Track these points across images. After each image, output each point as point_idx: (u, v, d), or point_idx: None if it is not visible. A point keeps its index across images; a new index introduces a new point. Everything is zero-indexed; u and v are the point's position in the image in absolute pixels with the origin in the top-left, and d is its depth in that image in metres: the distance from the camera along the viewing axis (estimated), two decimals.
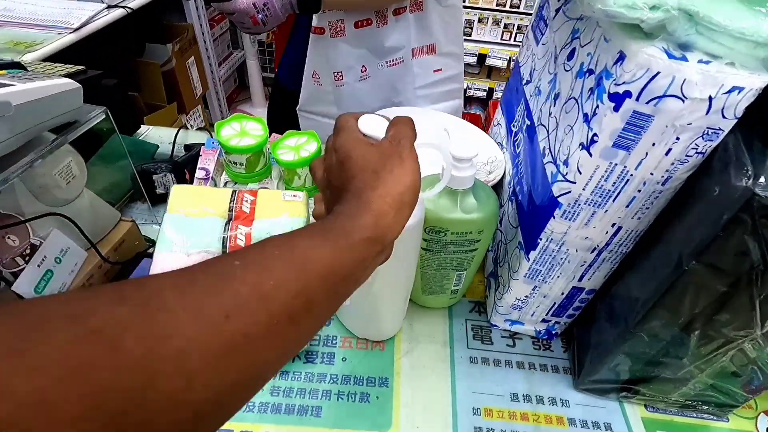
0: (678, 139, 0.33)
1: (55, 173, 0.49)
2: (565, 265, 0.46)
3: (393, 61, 0.90)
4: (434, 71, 0.96)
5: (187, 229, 0.55)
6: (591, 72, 0.38)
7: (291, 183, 0.70)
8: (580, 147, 0.38)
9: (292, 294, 0.22)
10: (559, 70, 0.46)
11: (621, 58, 0.33)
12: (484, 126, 2.08)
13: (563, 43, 0.47)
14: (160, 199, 0.70)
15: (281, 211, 0.59)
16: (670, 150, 0.34)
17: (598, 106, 0.36)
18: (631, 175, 0.36)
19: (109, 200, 0.60)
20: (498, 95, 2.18)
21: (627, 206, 0.39)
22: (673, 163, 0.35)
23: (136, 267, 0.57)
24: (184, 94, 1.85)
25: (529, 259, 0.47)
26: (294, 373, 0.51)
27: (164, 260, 0.52)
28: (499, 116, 0.73)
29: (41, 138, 0.45)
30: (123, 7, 1.45)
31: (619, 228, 0.41)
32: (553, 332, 0.56)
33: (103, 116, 0.50)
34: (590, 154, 0.37)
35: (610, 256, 0.44)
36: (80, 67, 0.71)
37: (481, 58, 2.11)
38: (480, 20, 2.03)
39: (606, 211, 0.40)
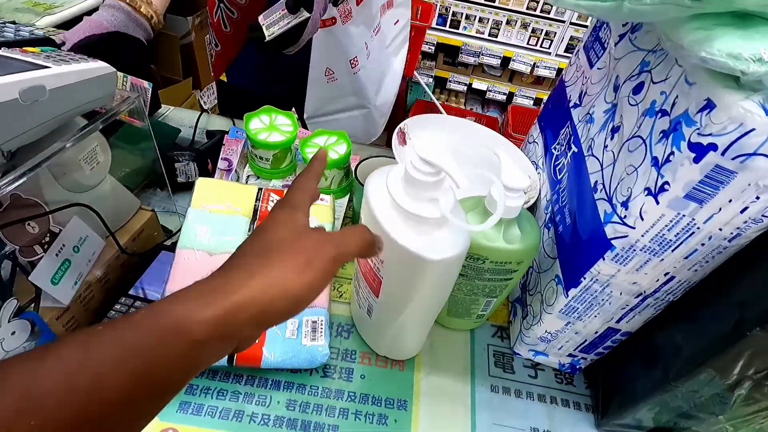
0: (758, 198, 0.31)
1: (80, 159, 0.47)
2: (606, 306, 0.44)
3: (377, 27, 0.90)
4: (394, 23, 0.98)
5: (211, 227, 0.53)
6: (665, 113, 0.36)
7: None
8: (646, 192, 0.36)
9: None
10: (622, 102, 0.44)
11: (709, 106, 0.31)
12: (501, 131, 2.05)
13: (629, 74, 0.44)
14: (179, 188, 0.67)
15: None
16: (746, 208, 0.32)
17: (672, 153, 0.33)
18: (698, 228, 0.34)
19: (128, 186, 0.58)
20: (519, 100, 2.15)
21: (686, 258, 0.37)
22: (746, 222, 0.33)
23: (154, 260, 0.55)
24: (200, 69, 1.81)
25: (567, 296, 0.45)
26: (311, 387, 0.49)
27: (187, 257, 0.50)
28: (535, 133, 0.70)
29: (71, 123, 0.42)
30: None
31: (672, 277, 0.39)
32: (577, 367, 0.54)
33: (136, 103, 0.47)
34: (657, 202, 0.35)
35: (655, 303, 0.43)
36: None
37: (505, 60, 2.07)
38: (508, 22, 1.98)
39: (662, 260, 0.38)
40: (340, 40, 0.81)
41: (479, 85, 2.15)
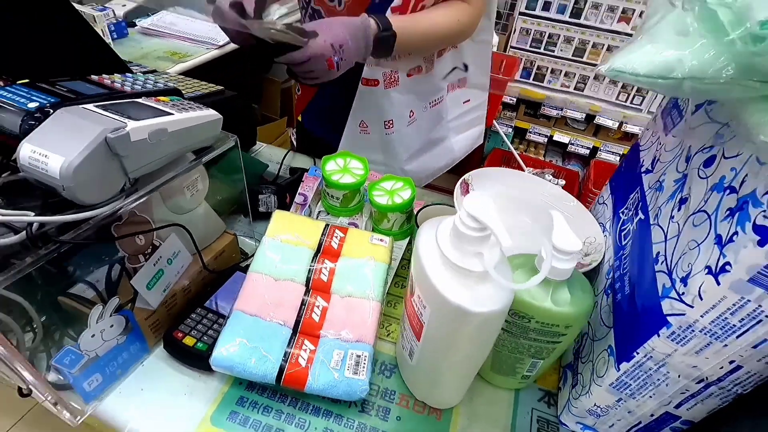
0: None
1: (184, 186, 0.56)
2: (662, 388, 0.41)
3: (435, 101, 0.92)
4: (463, 102, 1.00)
5: (280, 255, 0.59)
6: (733, 190, 0.35)
7: (379, 224, 0.72)
8: (706, 270, 0.34)
9: None
10: (692, 173, 0.42)
11: None
12: (581, 185, 1.96)
13: (701, 145, 0.43)
14: (259, 216, 0.75)
15: (366, 253, 0.61)
16: None
17: (736, 233, 0.32)
18: (766, 316, 0.32)
19: (217, 210, 0.66)
20: (603, 155, 2.06)
21: (754, 347, 0.34)
22: None
23: (229, 278, 0.62)
24: (295, 110, 2.02)
25: (619, 369, 0.43)
26: (348, 419, 0.51)
27: (256, 281, 0.56)
28: (606, 195, 0.69)
29: (182, 157, 0.51)
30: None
31: (739, 367, 0.36)
32: None
33: (233, 143, 0.56)
34: (718, 283, 0.33)
35: (721, 393, 0.39)
36: (220, 88, 0.81)
37: (590, 115, 2.01)
38: (596, 77, 1.94)
39: (725, 345, 0.35)
40: (379, 101, 0.86)
41: (561, 137, 2.10)
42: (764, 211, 0.30)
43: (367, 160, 0.73)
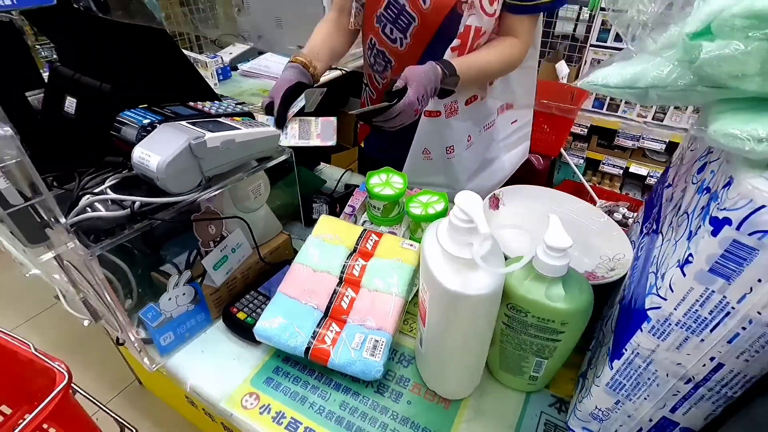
0: None
1: (249, 189, 0.69)
2: (653, 388, 0.41)
3: (488, 124, 0.98)
4: (512, 123, 1.05)
5: (320, 251, 0.68)
6: (708, 190, 0.37)
7: (415, 234, 0.79)
8: (676, 264, 0.36)
9: None
10: (689, 181, 0.44)
11: (729, 183, 0.32)
12: None
13: (699, 154, 0.44)
14: (312, 222, 0.86)
15: (396, 254, 0.68)
16: None
17: (700, 227, 0.34)
18: (732, 307, 0.33)
19: (277, 214, 0.79)
20: None
21: (729, 342, 0.35)
22: None
23: (279, 270, 0.73)
24: (358, 137, 2.19)
25: (612, 367, 0.44)
26: (364, 396, 0.57)
27: (297, 271, 0.66)
28: (640, 214, 0.68)
29: (247, 164, 0.64)
30: (340, 69, 1.83)
31: (721, 365, 0.36)
32: None
33: (288, 156, 0.68)
34: (684, 274, 0.35)
35: (710, 395, 0.39)
36: None
37: (672, 145, 1.89)
38: (677, 106, 1.84)
39: (702, 340, 0.36)
40: (440, 130, 0.93)
41: (638, 169, 1.98)
42: (718, 203, 0.32)
43: (407, 176, 0.81)
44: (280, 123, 0.78)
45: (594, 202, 1.99)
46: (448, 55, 0.81)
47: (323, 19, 0.99)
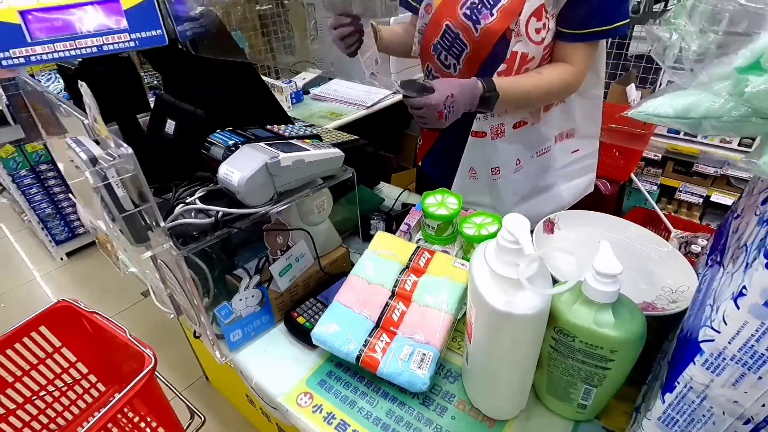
0: None
1: (314, 204, 0.75)
2: (709, 426, 0.40)
3: (541, 151, 0.96)
4: (572, 152, 1.02)
5: (375, 265, 0.72)
6: (767, 223, 0.36)
7: (468, 253, 0.80)
8: (731, 296, 0.35)
9: None
10: (753, 212, 0.43)
11: None
12: None
13: (766, 185, 0.43)
14: (369, 238, 0.91)
15: (447, 272, 0.71)
16: None
17: (755, 258, 0.34)
18: None
19: (337, 229, 0.84)
20: None
21: None
22: None
23: (337, 281, 0.78)
24: (417, 157, 2.23)
25: (664, 401, 0.43)
26: (409, 407, 0.59)
27: (353, 282, 0.71)
28: (709, 245, 0.65)
29: (314, 181, 0.71)
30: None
31: None
32: None
33: (350, 175, 0.74)
34: (737, 307, 0.34)
35: None
36: (355, 137, 1.03)
37: None
38: None
39: (760, 378, 0.35)
40: (485, 150, 0.95)
41: (721, 198, 1.81)
42: None
43: (461, 197, 0.83)
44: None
45: (669, 232, 1.85)
46: (494, 76, 0.84)
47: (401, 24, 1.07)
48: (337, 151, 0.70)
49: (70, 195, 2.19)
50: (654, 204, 1.90)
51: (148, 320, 1.88)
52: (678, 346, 0.46)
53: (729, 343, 0.35)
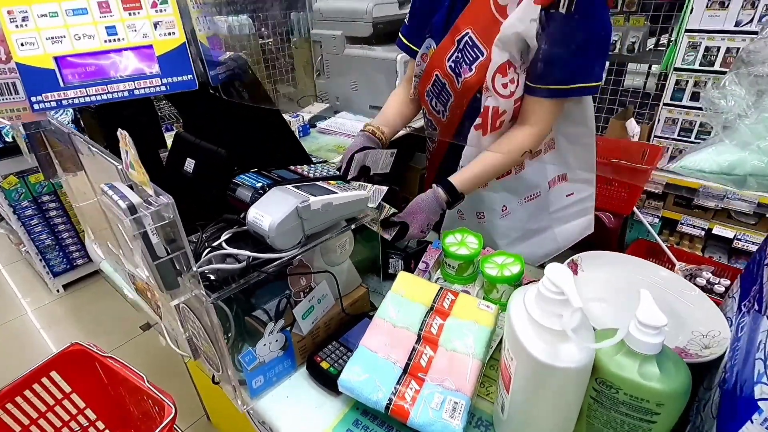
0: None
1: (337, 245, 0.75)
2: None
3: (530, 196, 0.98)
4: (567, 195, 1.03)
5: (399, 307, 0.71)
6: None
7: (489, 294, 0.80)
8: None
9: None
10: None
11: None
12: None
13: None
14: (388, 277, 0.91)
15: (473, 316, 0.70)
16: None
17: None
18: None
19: (357, 268, 0.84)
20: None
21: None
22: None
23: (358, 323, 0.76)
24: None
25: None
26: None
27: (378, 326, 0.70)
28: (735, 288, 0.65)
29: (338, 222, 0.71)
30: (408, 127, 1.94)
31: None
32: None
33: (374, 215, 0.74)
34: None
35: None
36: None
37: (762, 207, 1.75)
38: None
39: None
40: (470, 198, 0.94)
41: (723, 231, 1.84)
42: None
43: (482, 236, 0.83)
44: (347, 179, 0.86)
45: (672, 264, 1.86)
46: (471, 134, 0.88)
47: (396, 90, 1.10)
48: (363, 192, 0.70)
49: (88, 231, 2.17)
50: (656, 236, 1.91)
51: (147, 355, 1.82)
52: (725, 399, 0.45)
53: None
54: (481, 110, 0.85)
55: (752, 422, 0.38)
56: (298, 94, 2.40)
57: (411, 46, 1.01)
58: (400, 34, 1.04)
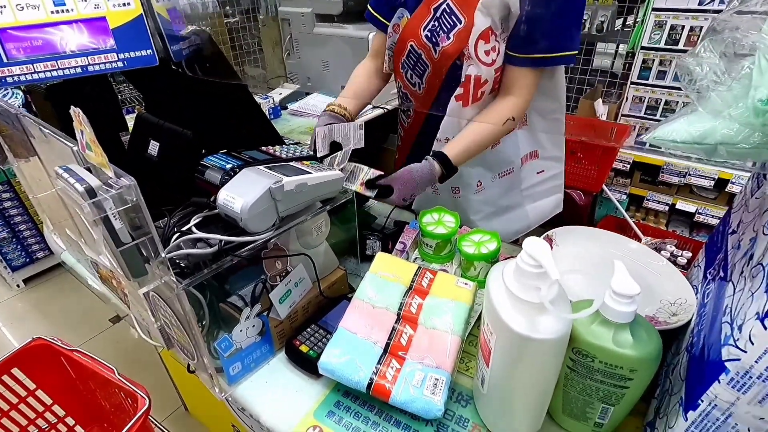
0: None
1: (312, 227, 0.73)
2: None
3: (504, 172, 0.99)
4: (537, 173, 1.04)
5: (378, 288, 0.71)
6: None
7: (467, 272, 0.80)
8: (756, 317, 0.36)
9: None
10: (759, 231, 0.45)
11: None
12: None
13: None
14: (366, 258, 0.90)
15: (452, 293, 0.70)
16: None
17: None
18: None
19: (334, 250, 0.82)
20: None
21: None
22: None
23: (337, 305, 0.75)
24: None
25: (686, 419, 0.43)
26: None
27: (357, 306, 0.69)
28: (700, 257, 0.68)
29: (314, 204, 0.69)
30: (382, 108, 1.92)
31: None
32: None
33: (351, 197, 0.72)
34: (765, 327, 0.35)
35: None
36: None
37: (721, 182, 1.83)
38: None
39: None
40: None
41: (685, 206, 1.92)
42: None
43: (458, 215, 0.83)
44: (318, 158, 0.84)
45: (639, 239, 1.94)
46: (452, 104, 0.87)
47: (362, 63, 1.07)
48: (338, 173, 0.68)
49: (46, 220, 2.05)
50: (624, 212, 1.98)
51: (117, 348, 1.77)
52: (693, 362, 0.47)
53: (756, 362, 0.36)
54: (462, 80, 0.84)
55: (719, 382, 0.40)
56: (267, 76, 2.32)
57: (380, 17, 0.98)
58: (369, 6, 1.01)
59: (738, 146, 0.37)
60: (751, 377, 0.37)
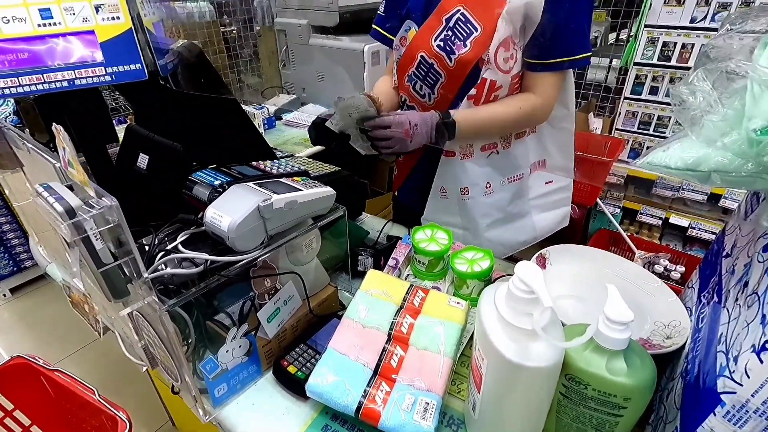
0: None
1: (303, 243, 0.72)
2: None
3: (513, 177, 1.00)
4: (546, 183, 1.05)
5: (369, 306, 0.70)
6: None
7: (459, 289, 0.79)
8: (752, 349, 0.36)
9: None
10: (753, 258, 0.44)
11: None
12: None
13: (763, 231, 0.44)
14: (357, 275, 0.89)
15: (443, 313, 0.69)
16: None
17: None
18: None
19: (325, 266, 0.81)
20: None
21: None
22: None
23: (327, 323, 0.74)
24: (393, 187, 2.24)
25: None
26: None
27: (347, 326, 0.67)
28: (694, 278, 0.67)
29: (304, 221, 0.68)
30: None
31: None
32: None
33: (342, 213, 0.71)
34: (761, 361, 0.34)
35: None
36: (338, 168, 1.01)
37: (714, 196, 1.84)
38: None
39: None
40: (454, 169, 0.97)
41: (678, 220, 1.93)
42: None
43: (452, 232, 0.83)
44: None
45: (633, 253, 1.94)
46: (464, 103, 0.88)
47: (381, 78, 1.08)
48: (328, 189, 0.67)
49: (32, 232, 2.02)
50: (618, 226, 1.98)
51: (106, 360, 1.73)
52: (688, 390, 0.46)
53: (752, 396, 0.36)
54: (477, 82, 0.85)
55: (715, 415, 0.39)
56: (263, 85, 2.32)
57: (386, 34, 0.98)
58: (374, 25, 1.01)
59: (732, 175, 0.36)
60: (747, 411, 0.36)
